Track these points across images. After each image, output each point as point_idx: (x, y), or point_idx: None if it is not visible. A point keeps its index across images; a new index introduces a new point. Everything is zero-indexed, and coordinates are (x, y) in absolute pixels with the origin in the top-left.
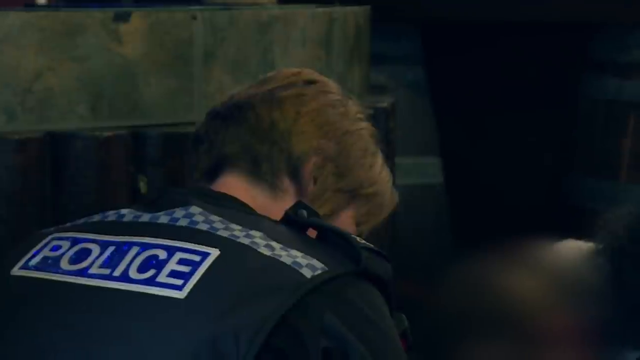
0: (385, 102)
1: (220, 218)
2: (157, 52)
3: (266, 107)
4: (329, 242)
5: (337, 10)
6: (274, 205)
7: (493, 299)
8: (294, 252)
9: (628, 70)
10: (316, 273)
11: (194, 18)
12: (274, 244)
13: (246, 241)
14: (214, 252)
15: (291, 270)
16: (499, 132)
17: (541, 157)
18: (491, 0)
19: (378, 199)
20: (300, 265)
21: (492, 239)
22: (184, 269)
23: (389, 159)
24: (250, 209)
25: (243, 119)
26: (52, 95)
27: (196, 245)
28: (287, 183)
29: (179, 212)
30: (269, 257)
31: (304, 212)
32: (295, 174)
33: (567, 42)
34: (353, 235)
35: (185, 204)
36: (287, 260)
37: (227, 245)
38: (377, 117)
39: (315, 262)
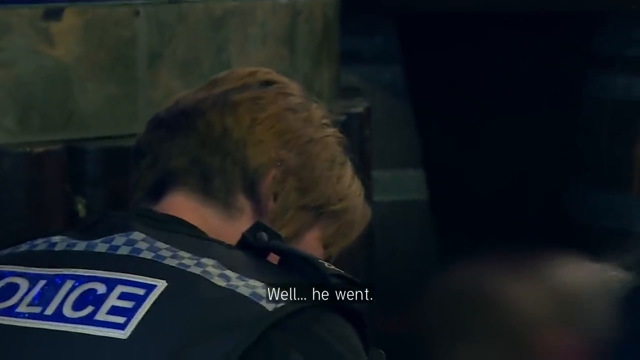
0: (359, 107)
1: (167, 245)
2: (94, 54)
3: (217, 113)
4: (293, 268)
5: (302, 2)
6: (229, 227)
7: (489, 317)
8: (253, 282)
9: (638, 65)
10: (279, 305)
11: (137, 14)
12: (229, 273)
13: (197, 270)
14: (161, 284)
15: (250, 303)
16: (491, 139)
17: (539, 168)
18: None
19: (348, 216)
20: (261, 297)
21: (483, 262)
22: (127, 304)
23: (365, 172)
24: (202, 232)
25: (191, 127)
26: None
27: (140, 276)
28: (242, 201)
29: (119, 239)
30: (223, 288)
31: (264, 235)
32: (252, 190)
33: (567, 35)
34: (321, 260)
35: (126, 229)
36: (244, 291)
37: (175, 275)
38: (350, 124)
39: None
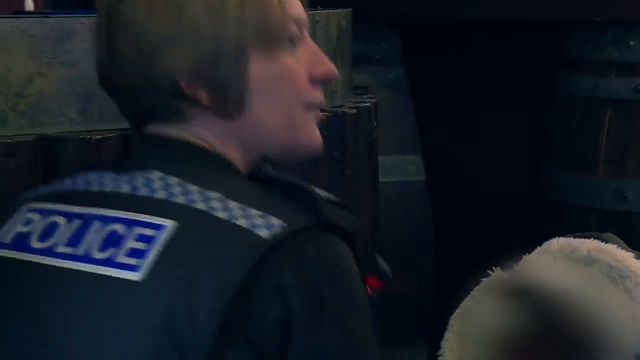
0: (367, 102)
1: (179, 179)
2: None
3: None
4: (291, 196)
5: (320, 13)
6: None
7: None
8: (252, 212)
9: (603, 68)
10: (274, 232)
11: None
12: (232, 204)
13: (203, 206)
14: (170, 225)
15: (249, 233)
16: (478, 130)
17: (518, 154)
18: (466, 0)
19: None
20: (258, 227)
21: (472, 233)
22: (141, 246)
23: (372, 156)
24: (207, 151)
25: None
26: (43, 99)
27: (154, 217)
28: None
29: (139, 179)
30: (225, 221)
31: (270, 167)
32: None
33: (543, 41)
34: (315, 189)
35: (146, 167)
36: (243, 222)
37: (183, 214)
38: (360, 117)
39: (274, 220)
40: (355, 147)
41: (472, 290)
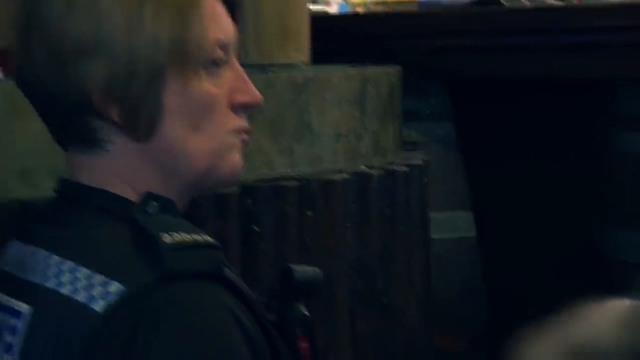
0: (418, 159)
1: (47, 252)
2: None
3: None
4: (139, 244)
5: (370, 70)
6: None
7: None
8: (96, 279)
9: None
10: (109, 302)
11: None
12: (80, 273)
13: (51, 284)
14: (25, 311)
15: (84, 310)
16: (530, 186)
17: (572, 210)
18: (515, 57)
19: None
20: (95, 300)
21: (524, 291)
22: (11, 339)
23: (424, 213)
24: (93, 191)
25: None
26: None
27: (15, 301)
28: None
29: (18, 251)
30: (67, 299)
31: (155, 205)
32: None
33: (593, 97)
34: (166, 235)
35: (34, 242)
36: (82, 296)
37: (34, 296)
38: (411, 174)
39: (114, 287)
40: (407, 204)
41: (523, 349)
